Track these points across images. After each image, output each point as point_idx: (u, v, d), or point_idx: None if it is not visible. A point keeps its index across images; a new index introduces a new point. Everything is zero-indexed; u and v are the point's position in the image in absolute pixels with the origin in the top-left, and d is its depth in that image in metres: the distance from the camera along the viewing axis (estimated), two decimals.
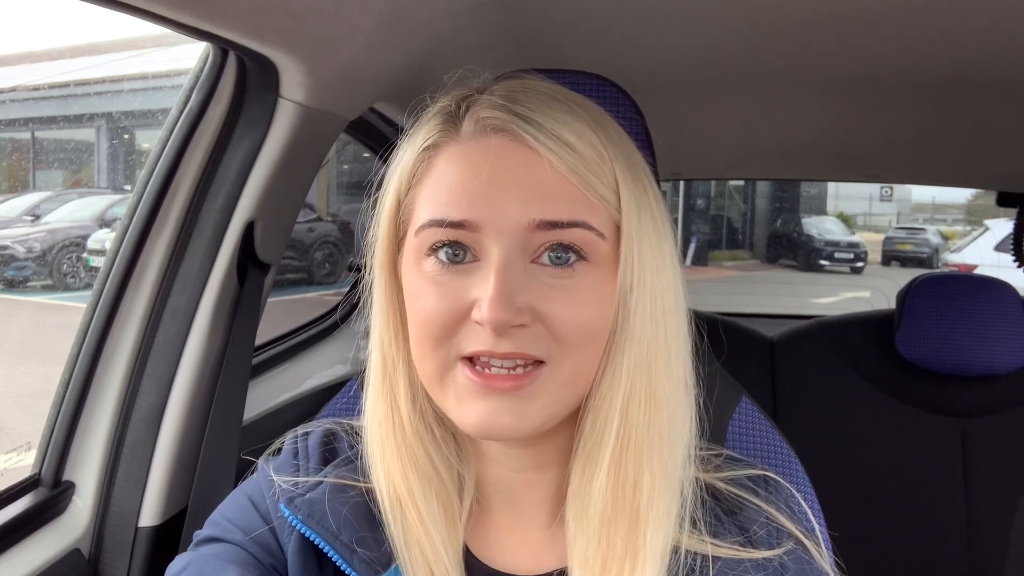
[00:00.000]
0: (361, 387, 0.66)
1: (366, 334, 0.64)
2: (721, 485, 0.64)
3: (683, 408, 0.59)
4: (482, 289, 0.53)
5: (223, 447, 0.98)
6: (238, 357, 1.02)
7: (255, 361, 1.25)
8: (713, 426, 0.65)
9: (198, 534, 0.63)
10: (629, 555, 0.55)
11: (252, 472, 0.68)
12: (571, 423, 0.59)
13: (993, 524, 1.69)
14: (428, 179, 0.58)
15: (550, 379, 0.55)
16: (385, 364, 0.62)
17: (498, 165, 0.55)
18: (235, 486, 0.69)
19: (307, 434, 0.68)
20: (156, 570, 0.95)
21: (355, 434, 0.67)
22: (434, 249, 0.56)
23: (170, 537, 0.96)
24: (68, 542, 0.92)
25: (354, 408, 0.87)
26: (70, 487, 0.95)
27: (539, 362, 0.54)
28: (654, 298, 0.57)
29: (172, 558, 0.63)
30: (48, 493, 0.93)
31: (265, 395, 1.28)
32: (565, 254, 0.55)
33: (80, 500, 0.95)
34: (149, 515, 0.95)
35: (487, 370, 0.54)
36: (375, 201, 0.62)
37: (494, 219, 0.54)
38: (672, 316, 0.59)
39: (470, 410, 0.55)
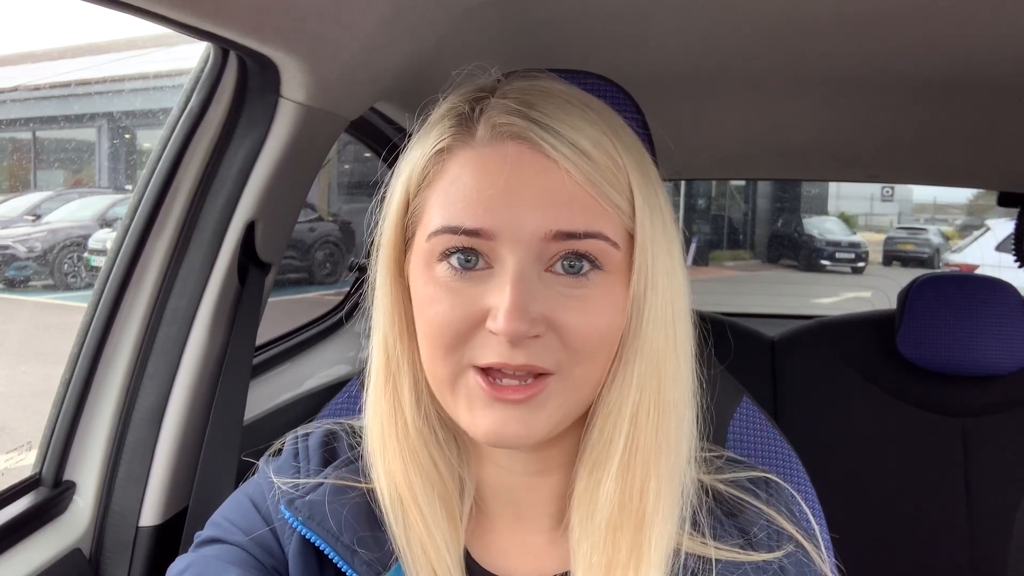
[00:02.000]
0: (362, 387, 0.66)
1: (369, 334, 0.64)
2: (722, 487, 0.64)
3: (689, 412, 0.59)
4: (497, 298, 0.53)
5: (224, 447, 0.98)
6: (239, 357, 1.02)
7: (256, 361, 1.25)
8: (714, 427, 0.65)
9: (199, 535, 0.63)
10: (633, 559, 0.55)
11: (253, 473, 0.68)
12: (576, 428, 0.59)
13: (994, 524, 1.69)
14: (440, 182, 0.57)
15: (559, 386, 0.55)
16: (389, 364, 0.61)
17: (515, 173, 0.54)
18: (236, 486, 0.69)
19: (307, 435, 0.68)
20: (157, 570, 0.95)
21: (355, 434, 0.67)
22: (446, 255, 0.55)
23: (171, 537, 0.96)
24: (69, 542, 0.92)
25: (355, 408, 0.87)
26: (71, 487, 0.95)
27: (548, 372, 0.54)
28: (665, 304, 0.57)
29: (173, 558, 0.63)
30: (49, 493, 0.93)
31: (266, 395, 1.28)
32: (579, 263, 0.55)
33: (81, 500, 0.95)
34: (150, 515, 0.95)
35: (499, 381, 0.54)
36: (382, 199, 0.62)
37: (510, 228, 0.53)
38: (681, 321, 0.59)
39: (481, 418, 0.54)
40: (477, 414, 0.55)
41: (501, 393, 0.53)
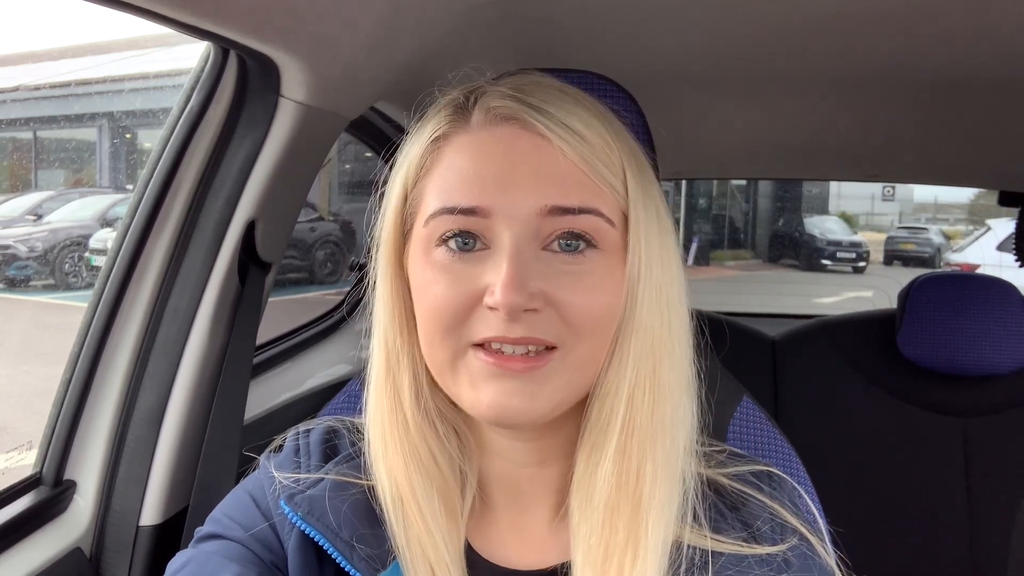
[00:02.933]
0: (363, 386, 0.66)
1: (369, 333, 0.64)
2: (724, 481, 0.64)
3: (685, 399, 0.60)
4: (494, 275, 0.54)
5: (224, 446, 0.98)
6: (239, 356, 1.02)
7: (256, 361, 1.25)
8: (714, 426, 0.65)
9: (199, 531, 0.63)
10: (631, 543, 0.56)
11: (253, 469, 0.68)
12: (575, 416, 0.59)
13: (995, 523, 1.69)
14: (437, 169, 0.58)
15: (562, 363, 0.55)
16: (389, 359, 0.62)
17: (510, 152, 0.56)
18: (236, 485, 0.69)
19: (308, 431, 0.68)
20: (157, 569, 0.95)
21: (356, 431, 0.67)
22: (444, 240, 0.56)
23: (171, 536, 0.96)
24: (69, 541, 0.92)
25: (355, 407, 0.87)
26: (71, 486, 0.95)
27: (551, 347, 0.55)
28: (659, 288, 0.58)
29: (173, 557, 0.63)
30: (49, 492, 0.93)
31: (266, 394, 1.28)
32: (576, 241, 0.55)
33: (81, 499, 0.95)
34: (150, 514, 0.95)
35: (500, 352, 0.54)
36: (381, 195, 0.63)
37: (506, 205, 0.54)
38: (676, 308, 0.59)
39: (484, 393, 0.55)
40: (480, 388, 0.55)
41: (504, 363, 0.54)
